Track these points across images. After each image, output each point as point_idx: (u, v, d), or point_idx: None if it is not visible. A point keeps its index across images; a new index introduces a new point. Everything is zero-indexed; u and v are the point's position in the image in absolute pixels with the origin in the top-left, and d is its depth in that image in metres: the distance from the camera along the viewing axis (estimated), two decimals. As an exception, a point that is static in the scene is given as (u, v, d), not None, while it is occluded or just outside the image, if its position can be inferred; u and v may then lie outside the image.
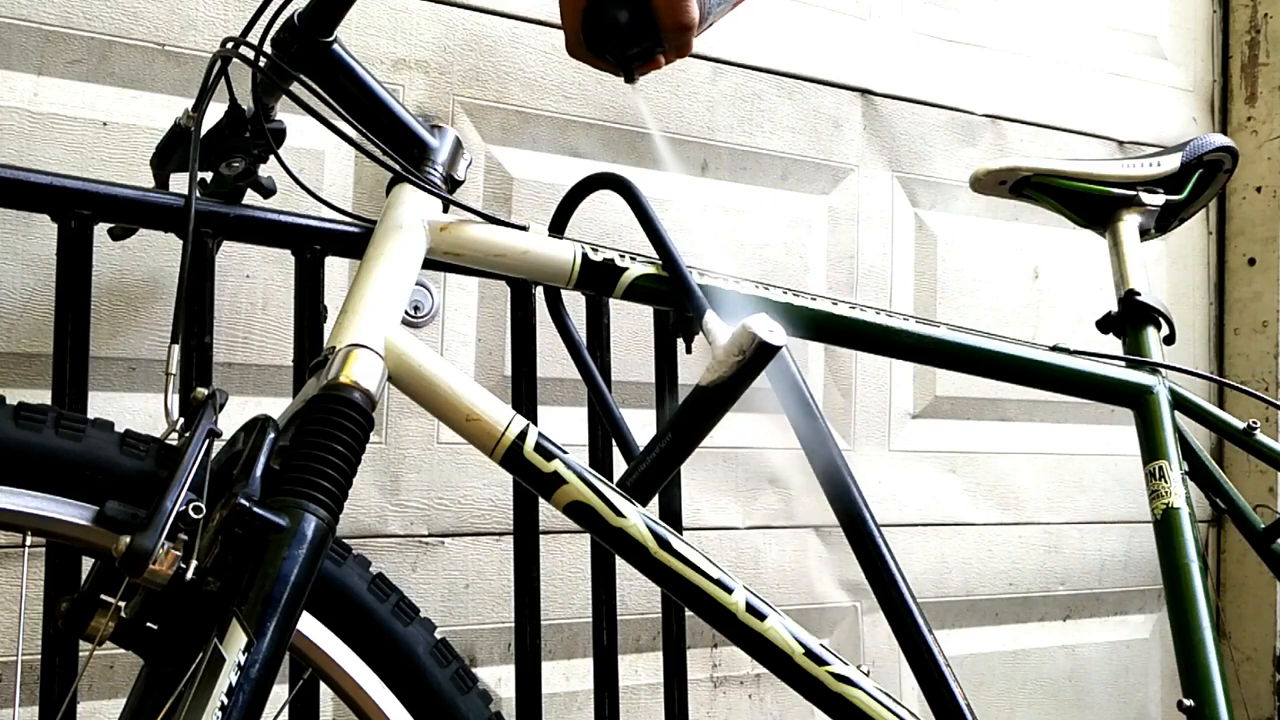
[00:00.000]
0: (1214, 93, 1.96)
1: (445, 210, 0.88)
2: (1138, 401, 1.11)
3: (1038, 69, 1.77)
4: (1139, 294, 1.18)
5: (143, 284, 1.15)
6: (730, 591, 0.77)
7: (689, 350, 1.01)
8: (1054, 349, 1.09)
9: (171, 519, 0.62)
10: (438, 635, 0.77)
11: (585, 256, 0.88)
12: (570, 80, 1.38)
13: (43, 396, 0.86)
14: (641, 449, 0.80)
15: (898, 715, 0.79)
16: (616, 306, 1.04)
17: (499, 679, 1.31)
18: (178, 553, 0.62)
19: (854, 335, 0.99)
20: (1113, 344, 1.20)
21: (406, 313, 1.02)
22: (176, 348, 0.76)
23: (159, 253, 1.15)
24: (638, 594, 1.38)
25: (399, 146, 0.93)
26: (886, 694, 0.80)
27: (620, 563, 0.84)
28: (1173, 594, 1.03)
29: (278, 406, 0.78)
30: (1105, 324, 1.22)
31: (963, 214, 1.69)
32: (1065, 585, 1.75)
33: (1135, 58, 1.87)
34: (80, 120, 1.12)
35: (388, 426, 1.27)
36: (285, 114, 0.95)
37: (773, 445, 1.49)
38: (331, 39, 0.89)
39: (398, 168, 0.84)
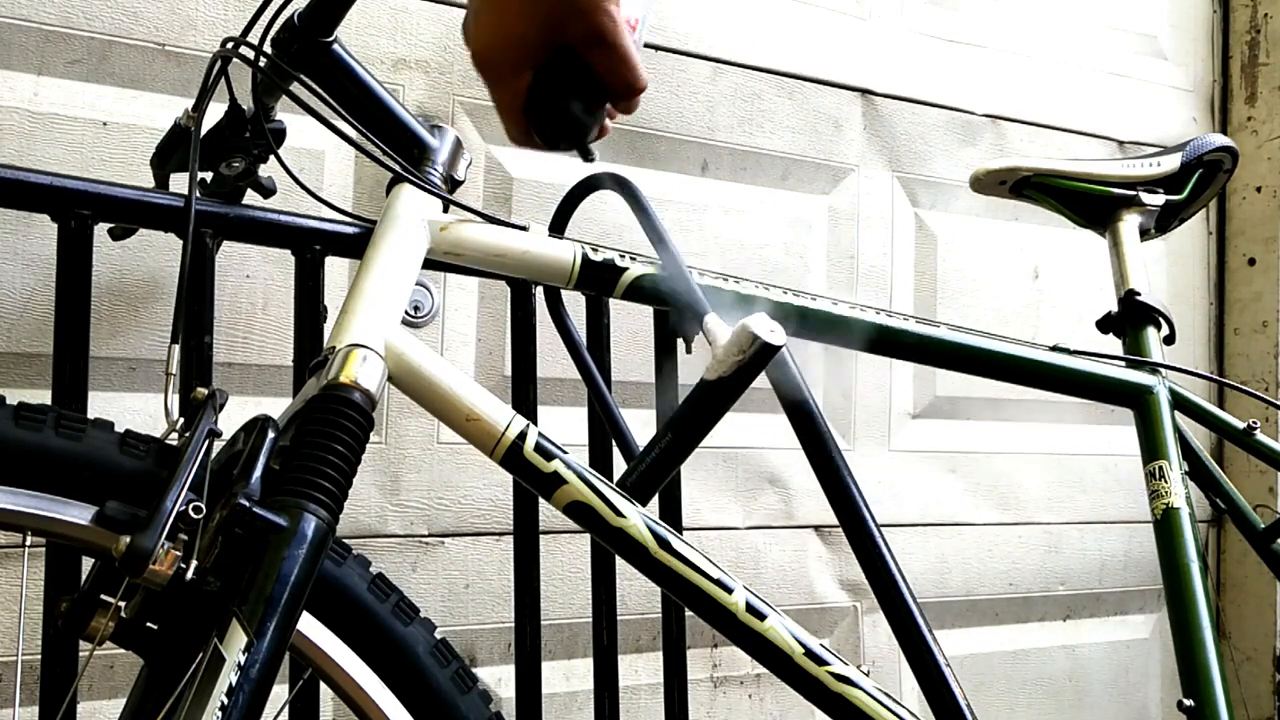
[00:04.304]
0: (1214, 93, 1.96)
1: (445, 210, 0.88)
2: (1138, 401, 1.11)
3: (1038, 69, 1.76)
4: (1139, 294, 1.18)
5: (143, 284, 1.15)
6: (730, 591, 0.77)
7: (689, 350, 1.01)
8: (1054, 349, 1.09)
9: (171, 519, 0.62)
10: (438, 635, 0.77)
11: (585, 256, 0.88)
12: (570, 80, 1.37)
13: (43, 396, 0.86)
14: (641, 449, 0.80)
15: (898, 715, 0.79)
16: (616, 306, 1.04)
17: (499, 679, 1.30)
18: (178, 553, 0.62)
19: (854, 335, 0.99)
20: (1113, 344, 1.20)
21: (406, 313, 1.02)
22: (176, 348, 0.76)
23: (159, 253, 1.14)
24: (638, 594, 1.38)
25: (399, 146, 0.93)
26: (886, 694, 0.80)
27: (620, 563, 0.84)
28: (1173, 594, 1.03)
29: (278, 406, 0.78)
30: (1105, 324, 1.22)
31: (963, 214, 1.69)
32: (1065, 585, 1.75)
33: (1135, 58, 1.87)
34: (80, 120, 1.12)
35: (388, 426, 1.27)
36: (285, 114, 0.95)
37: (773, 445, 1.49)
38: (331, 39, 0.89)
39: (398, 168, 0.84)
